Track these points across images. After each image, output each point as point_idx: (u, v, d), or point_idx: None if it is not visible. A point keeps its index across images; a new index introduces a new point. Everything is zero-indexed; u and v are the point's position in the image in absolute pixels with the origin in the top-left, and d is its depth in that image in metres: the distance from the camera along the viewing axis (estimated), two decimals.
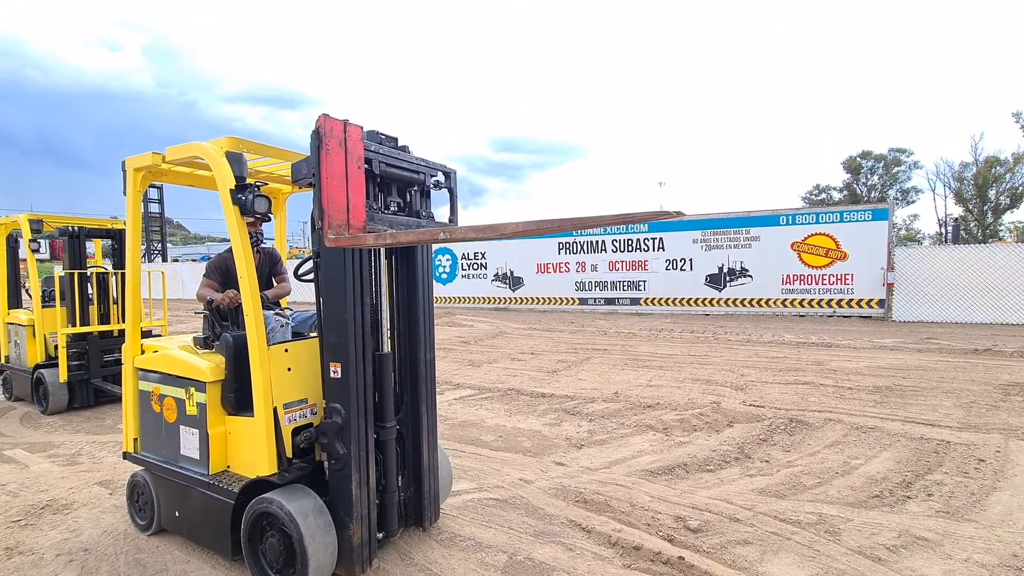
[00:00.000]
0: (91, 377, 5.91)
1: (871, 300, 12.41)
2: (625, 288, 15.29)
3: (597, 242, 15.63)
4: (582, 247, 15.86)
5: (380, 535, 2.75)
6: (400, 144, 2.81)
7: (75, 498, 3.69)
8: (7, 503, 3.64)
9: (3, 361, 6.61)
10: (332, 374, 2.57)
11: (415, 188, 2.89)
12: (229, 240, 2.72)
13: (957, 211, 36.54)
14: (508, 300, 17.16)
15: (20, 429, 5.42)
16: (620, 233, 15.32)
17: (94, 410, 6.02)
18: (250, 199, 2.60)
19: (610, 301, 15.51)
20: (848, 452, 4.20)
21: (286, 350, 2.72)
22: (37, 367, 5.92)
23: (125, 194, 3.15)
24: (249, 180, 2.88)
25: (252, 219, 3.08)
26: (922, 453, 4.11)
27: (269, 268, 3.64)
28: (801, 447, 4.35)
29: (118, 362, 6.11)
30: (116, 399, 6.20)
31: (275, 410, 2.60)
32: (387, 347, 2.77)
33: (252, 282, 2.61)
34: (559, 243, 16.18)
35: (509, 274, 17.12)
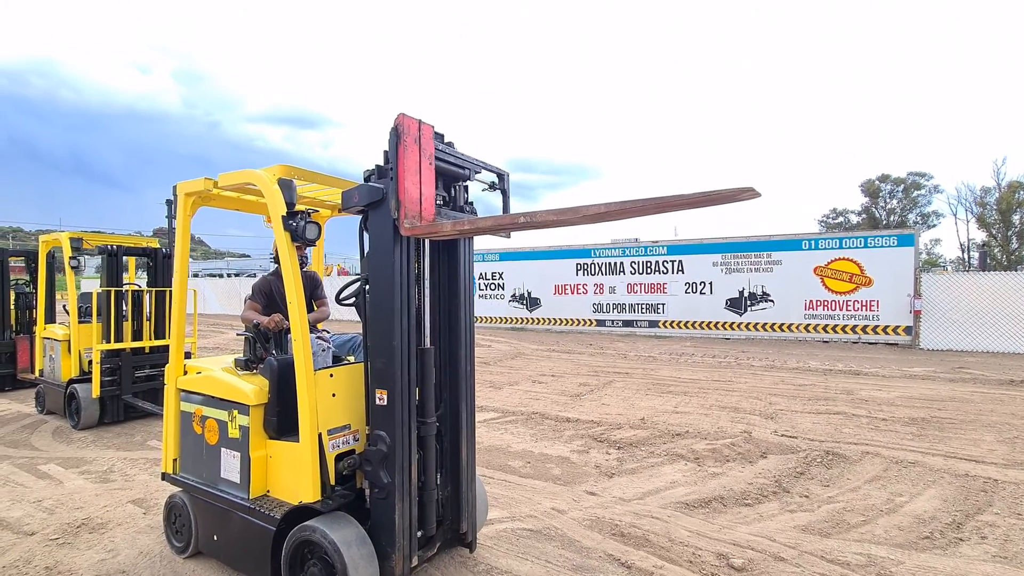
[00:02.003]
0: (122, 393, 5.98)
1: (897, 327, 12.16)
2: (643, 311, 15.19)
3: (615, 264, 15.60)
4: (600, 268, 15.83)
5: (419, 533, 2.69)
6: (447, 140, 2.84)
7: (110, 517, 3.71)
8: (44, 520, 3.67)
9: (37, 375, 6.74)
10: (378, 401, 2.57)
11: (460, 183, 2.93)
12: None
13: (980, 236, 35.93)
14: (525, 320, 17.13)
15: (53, 443, 5.49)
16: (639, 255, 15.29)
17: (123, 426, 6.08)
18: (302, 225, 2.65)
19: (628, 323, 15.40)
20: (891, 488, 4.06)
21: (331, 375, 2.73)
22: (71, 382, 6.01)
23: (175, 217, 3.23)
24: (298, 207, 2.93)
25: (297, 243, 3.13)
26: (969, 491, 3.97)
27: (309, 292, 3.68)
28: (840, 481, 4.22)
29: (149, 378, 6.21)
30: (145, 415, 6.28)
31: (320, 436, 2.60)
32: (428, 342, 2.76)
33: (301, 307, 2.63)
34: (577, 264, 16.18)
35: (526, 295, 17.12)
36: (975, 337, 11.39)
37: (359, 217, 2.69)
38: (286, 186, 2.69)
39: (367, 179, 2.66)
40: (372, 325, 2.61)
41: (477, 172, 2.97)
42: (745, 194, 1.67)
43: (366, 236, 2.65)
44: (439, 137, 2.77)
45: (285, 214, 2.66)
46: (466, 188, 2.98)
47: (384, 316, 2.55)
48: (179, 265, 3.27)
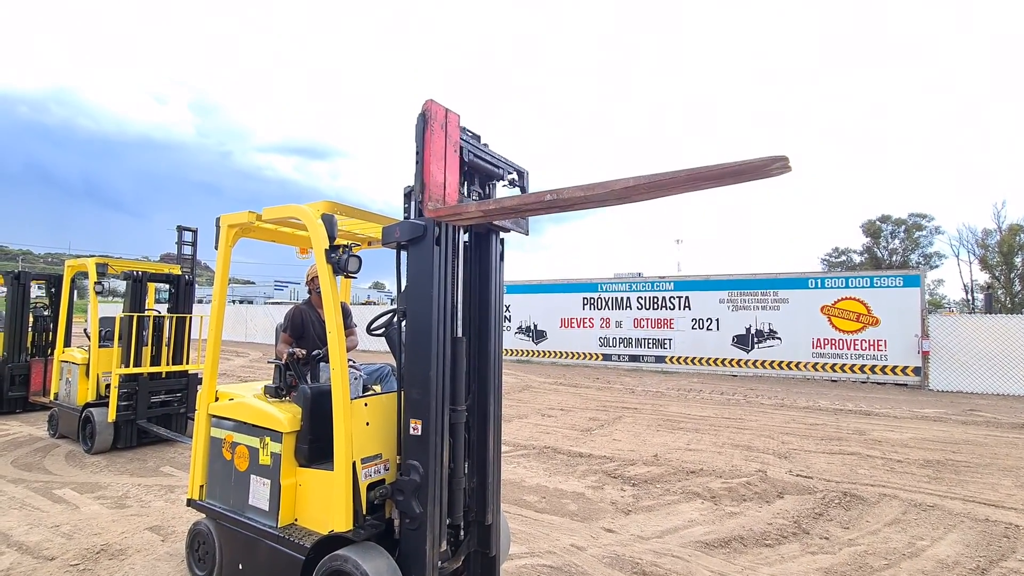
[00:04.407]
0: (137, 418, 6.00)
1: (906, 367, 12.12)
2: (650, 345, 15.19)
3: (622, 298, 15.69)
4: (607, 303, 15.92)
5: (447, 522, 2.67)
6: (482, 141, 2.93)
7: (128, 543, 3.70)
8: (63, 545, 3.66)
9: (52, 398, 6.76)
10: (412, 431, 2.61)
11: (494, 182, 3.02)
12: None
13: (983, 277, 36.06)
14: (531, 353, 17.11)
15: (67, 468, 5.48)
16: (645, 291, 15.40)
17: (135, 451, 6.07)
18: (344, 259, 2.76)
19: (634, 358, 15.38)
20: (911, 532, 4.03)
21: (365, 404, 2.79)
22: (86, 406, 6.04)
23: (216, 248, 3.35)
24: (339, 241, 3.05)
25: (338, 276, 3.23)
26: (991, 537, 3.94)
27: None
28: (860, 524, 4.19)
29: (164, 404, 6.24)
30: (157, 440, 6.28)
31: (354, 465, 2.64)
32: (460, 331, 2.78)
33: (340, 337, 2.72)
34: (584, 298, 16.28)
35: (533, 327, 17.16)
36: (984, 379, 11.34)
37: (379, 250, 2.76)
38: (329, 221, 2.82)
39: (407, 194, 2.73)
40: (408, 356, 2.67)
41: (509, 173, 3.05)
42: (777, 164, 1.59)
43: (403, 270, 2.75)
44: (476, 137, 2.87)
45: (328, 248, 2.78)
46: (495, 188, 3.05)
47: (421, 348, 2.60)
48: (218, 292, 3.37)
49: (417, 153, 2.50)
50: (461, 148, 2.71)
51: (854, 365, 12.64)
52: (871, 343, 12.49)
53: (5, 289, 8.14)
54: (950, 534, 4.00)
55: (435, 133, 2.52)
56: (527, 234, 3.10)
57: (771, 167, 1.60)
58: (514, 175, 3.10)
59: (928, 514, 4.38)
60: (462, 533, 2.86)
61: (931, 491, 4.95)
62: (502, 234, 3.05)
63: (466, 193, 2.86)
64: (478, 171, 2.91)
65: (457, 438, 2.74)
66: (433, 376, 2.58)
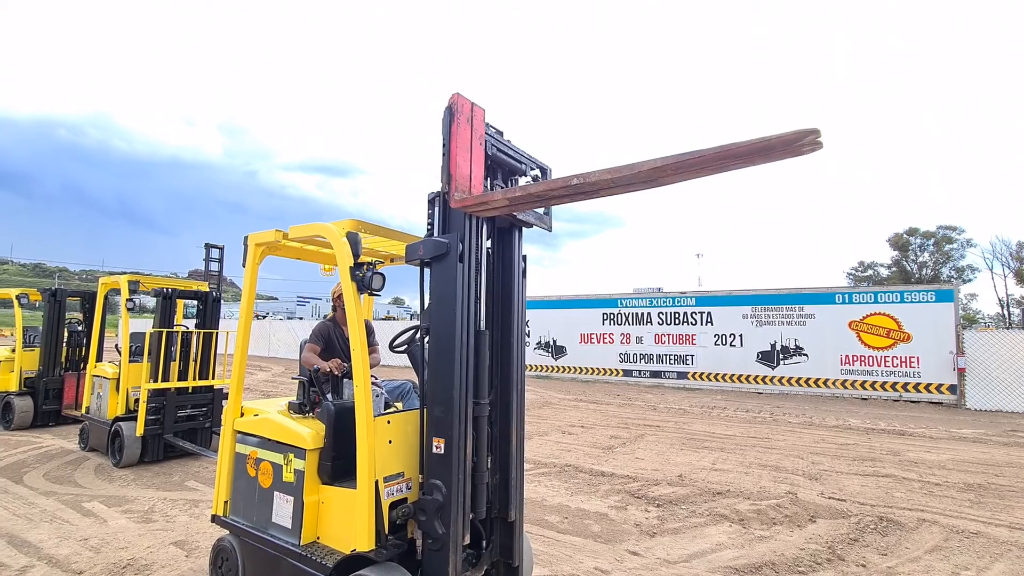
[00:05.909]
0: (164, 432, 6.10)
1: (940, 385, 11.68)
2: (672, 362, 14.94)
3: (643, 314, 15.52)
4: (627, 318, 15.76)
5: (470, 516, 2.64)
6: (505, 137, 2.94)
7: (154, 558, 3.73)
8: (91, 559, 3.71)
9: (84, 412, 6.94)
10: (435, 450, 2.60)
11: (516, 178, 3.02)
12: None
13: (1019, 291, 34.77)
14: (550, 368, 16.99)
15: (95, 481, 5.59)
16: (666, 306, 15.21)
17: (162, 465, 6.17)
18: (368, 276, 2.79)
19: (656, 374, 15.14)
20: (954, 560, 3.84)
21: (388, 422, 2.79)
22: (116, 420, 6.17)
23: (244, 266, 3.42)
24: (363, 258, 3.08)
25: (362, 293, 3.25)
26: None
27: None
28: (898, 551, 4.00)
29: (189, 418, 6.35)
30: (182, 454, 6.37)
31: (376, 483, 2.63)
32: (483, 326, 2.77)
33: (364, 354, 2.73)
34: (603, 314, 16.15)
35: (552, 343, 17.06)
36: None
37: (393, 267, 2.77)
38: (353, 239, 2.85)
39: (431, 201, 2.74)
40: (431, 374, 2.66)
41: (532, 168, 3.07)
42: (807, 139, 1.51)
43: (427, 288, 2.75)
44: (500, 133, 2.89)
45: (352, 265, 2.81)
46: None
47: (444, 367, 2.59)
48: (244, 308, 3.42)
49: (444, 146, 2.55)
50: (485, 142, 2.75)
51: (885, 383, 12.22)
52: (903, 360, 12.08)
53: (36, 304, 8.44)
54: (997, 563, 3.79)
55: (461, 126, 2.56)
56: (550, 230, 3.09)
57: (801, 142, 1.53)
58: (536, 171, 3.11)
59: (972, 541, 4.17)
60: (484, 542, 2.82)
61: (974, 516, 4.71)
62: (524, 249, 3.04)
63: (490, 187, 2.87)
64: (501, 166, 2.94)
65: (480, 432, 2.71)
66: (456, 395, 2.57)
